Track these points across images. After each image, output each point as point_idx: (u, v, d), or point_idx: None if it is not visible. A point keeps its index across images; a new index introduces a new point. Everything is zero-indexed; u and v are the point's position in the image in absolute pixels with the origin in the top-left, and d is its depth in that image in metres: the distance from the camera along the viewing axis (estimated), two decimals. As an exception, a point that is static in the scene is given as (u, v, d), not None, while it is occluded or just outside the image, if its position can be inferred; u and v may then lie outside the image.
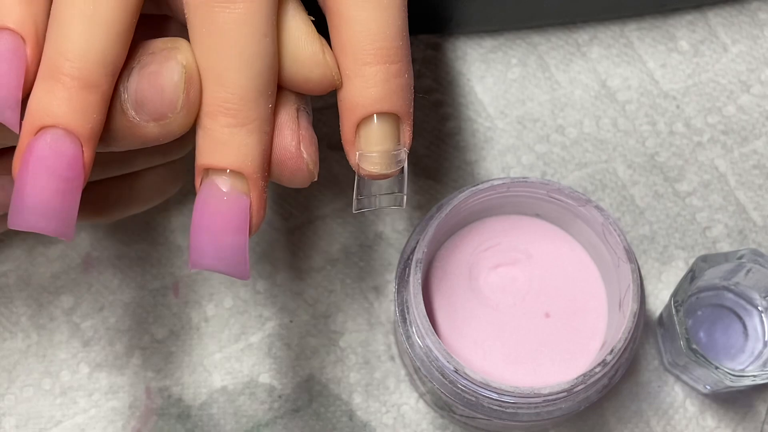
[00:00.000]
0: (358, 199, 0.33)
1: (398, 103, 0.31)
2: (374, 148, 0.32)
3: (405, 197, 0.33)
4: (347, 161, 0.33)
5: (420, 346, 0.37)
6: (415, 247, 0.37)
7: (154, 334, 0.43)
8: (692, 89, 0.45)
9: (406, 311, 0.37)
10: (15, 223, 0.29)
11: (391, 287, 0.43)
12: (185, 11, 0.30)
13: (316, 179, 0.32)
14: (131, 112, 0.30)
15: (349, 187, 0.44)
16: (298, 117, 0.32)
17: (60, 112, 0.29)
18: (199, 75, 0.30)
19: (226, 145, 0.30)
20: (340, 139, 0.32)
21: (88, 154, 0.30)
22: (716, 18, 0.46)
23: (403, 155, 0.32)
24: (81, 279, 0.44)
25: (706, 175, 0.45)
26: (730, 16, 0.46)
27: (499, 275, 0.39)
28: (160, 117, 0.30)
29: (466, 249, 0.40)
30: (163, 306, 0.43)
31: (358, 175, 0.32)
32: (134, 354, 0.43)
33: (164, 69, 0.30)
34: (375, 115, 0.31)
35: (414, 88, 0.32)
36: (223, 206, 0.30)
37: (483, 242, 0.40)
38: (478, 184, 0.37)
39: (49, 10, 0.30)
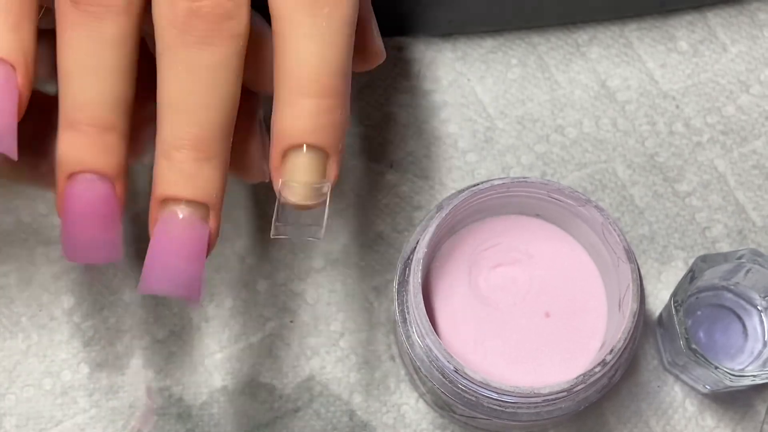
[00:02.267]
0: (275, 225, 0.33)
1: (326, 138, 0.32)
2: (297, 179, 0.32)
3: (322, 230, 0.33)
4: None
5: (420, 346, 0.37)
6: (415, 247, 0.37)
7: (155, 334, 0.43)
8: (692, 89, 0.45)
9: (406, 311, 0.37)
10: (71, 257, 0.32)
11: (391, 287, 0.43)
12: (157, 46, 0.31)
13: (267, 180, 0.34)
14: None
15: (350, 188, 0.44)
16: (260, 127, 0.35)
17: (86, 158, 0.31)
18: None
19: (194, 177, 0.31)
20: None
21: (119, 189, 0.32)
22: (716, 18, 0.46)
23: (326, 189, 0.32)
24: (81, 279, 0.44)
25: (706, 176, 0.45)
26: (729, 17, 0.46)
27: (499, 275, 0.39)
28: None
29: (466, 249, 0.40)
30: (163, 306, 0.43)
31: (279, 202, 0.33)
32: (134, 354, 0.43)
33: None
34: (303, 146, 0.32)
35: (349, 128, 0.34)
36: (186, 236, 0.32)
37: (483, 242, 0.40)
38: (478, 184, 0.37)
39: (37, 34, 0.31)
